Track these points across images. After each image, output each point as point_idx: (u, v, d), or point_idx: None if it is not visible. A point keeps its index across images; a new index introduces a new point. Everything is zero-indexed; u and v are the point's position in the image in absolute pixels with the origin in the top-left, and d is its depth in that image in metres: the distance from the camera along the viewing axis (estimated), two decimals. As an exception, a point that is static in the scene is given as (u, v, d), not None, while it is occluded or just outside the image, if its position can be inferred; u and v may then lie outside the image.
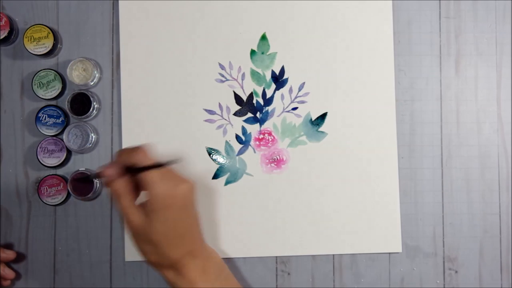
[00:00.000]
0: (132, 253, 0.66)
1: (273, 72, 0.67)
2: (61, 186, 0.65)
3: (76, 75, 0.66)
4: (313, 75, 0.67)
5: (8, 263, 0.65)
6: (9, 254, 0.64)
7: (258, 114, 0.67)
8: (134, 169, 0.53)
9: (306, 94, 0.67)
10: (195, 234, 0.56)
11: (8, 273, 0.64)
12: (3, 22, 0.65)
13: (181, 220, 0.54)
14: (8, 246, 0.66)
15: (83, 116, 0.65)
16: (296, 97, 0.67)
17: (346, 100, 0.67)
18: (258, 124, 0.67)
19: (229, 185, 0.67)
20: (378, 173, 0.66)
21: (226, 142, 0.67)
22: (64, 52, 0.67)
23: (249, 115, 0.67)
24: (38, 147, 0.65)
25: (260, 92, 0.67)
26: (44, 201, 0.65)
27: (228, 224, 0.66)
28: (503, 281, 0.67)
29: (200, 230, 0.57)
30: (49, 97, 0.66)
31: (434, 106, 0.68)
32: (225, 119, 0.67)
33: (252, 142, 0.67)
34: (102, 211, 0.67)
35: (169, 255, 0.54)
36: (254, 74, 0.67)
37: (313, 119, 0.67)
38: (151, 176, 0.52)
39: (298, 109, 0.67)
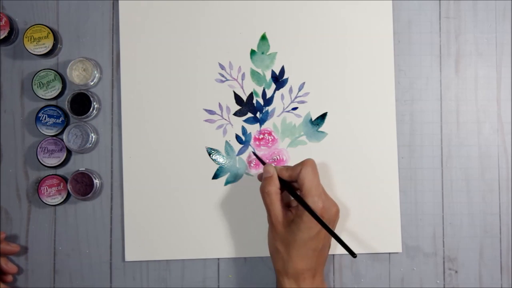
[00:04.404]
0: (132, 253, 0.66)
1: (273, 72, 0.67)
2: (61, 186, 0.65)
3: (76, 75, 0.66)
4: (313, 75, 0.67)
5: (9, 258, 0.66)
6: (14, 247, 0.64)
7: (258, 114, 0.67)
8: (288, 185, 0.60)
9: (306, 94, 0.67)
10: (323, 256, 0.59)
11: (11, 267, 0.64)
12: (3, 22, 0.65)
13: (318, 236, 0.57)
14: (12, 239, 0.66)
15: (83, 116, 0.65)
16: (296, 97, 0.67)
17: (346, 100, 0.67)
18: (258, 124, 0.67)
19: (229, 185, 0.67)
20: (378, 173, 0.66)
21: (226, 142, 0.67)
22: (64, 52, 0.67)
23: (249, 115, 0.67)
24: (38, 147, 0.65)
25: (260, 92, 0.67)
26: (44, 201, 0.65)
27: (228, 224, 0.66)
28: (503, 281, 0.67)
29: (326, 259, 0.60)
30: (49, 97, 0.66)
31: (434, 106, 0.68)
32: (225, 119, 0.67)
33: (252, 142, 0.67)
34: (102, 211, 0.67)
35: (297, 263, 0.57)
36: (254, 74, 0.67)
37: (313, 119, 0.67)
38: (310, 188, 0.57)
39: (298, 109, 0.67)
